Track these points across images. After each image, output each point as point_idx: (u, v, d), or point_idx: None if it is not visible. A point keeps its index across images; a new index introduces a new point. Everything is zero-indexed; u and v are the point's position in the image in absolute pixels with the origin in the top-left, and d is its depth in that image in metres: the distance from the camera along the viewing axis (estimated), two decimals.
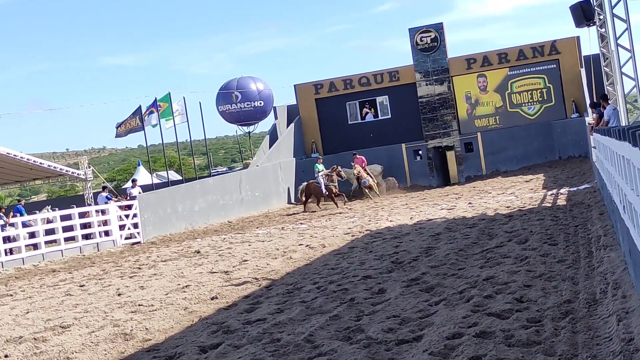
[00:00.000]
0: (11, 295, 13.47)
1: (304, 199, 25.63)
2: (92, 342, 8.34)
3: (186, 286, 11.60)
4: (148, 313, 9.69)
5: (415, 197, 25.30)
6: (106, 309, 10.37)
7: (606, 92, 19.79)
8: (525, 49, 29.73)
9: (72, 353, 8.00)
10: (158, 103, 27.19)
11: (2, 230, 18.79)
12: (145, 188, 25.66)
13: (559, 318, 6.63)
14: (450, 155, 30.93)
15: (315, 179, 25.70)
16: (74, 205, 21.23)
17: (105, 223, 21.20)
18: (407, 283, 9.39)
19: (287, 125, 31.76)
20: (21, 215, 20.46)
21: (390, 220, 17.94)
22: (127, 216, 21.40)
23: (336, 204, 24.84)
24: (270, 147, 30.30)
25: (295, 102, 32.68)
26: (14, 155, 23.83)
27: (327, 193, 25.09)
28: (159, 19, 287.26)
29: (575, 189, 19.00)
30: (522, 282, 8.31)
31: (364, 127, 31.53)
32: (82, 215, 21.00)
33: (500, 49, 30.24)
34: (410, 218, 17.98)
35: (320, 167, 26.37)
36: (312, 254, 13.73)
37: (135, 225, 21.54)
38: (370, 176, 27.12)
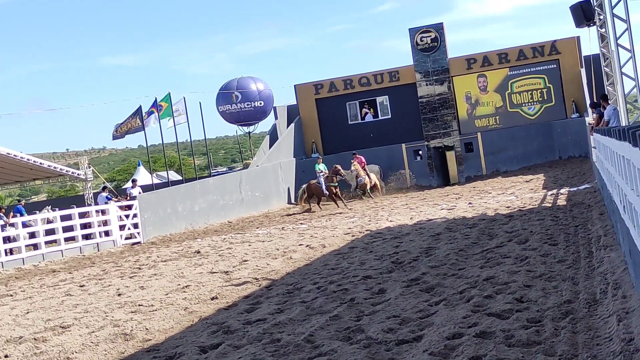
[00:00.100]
0: (11, 295, 13.47)
1: (304, 201, 25.54)
2: (92, 342, 8.34)
3: (186, 286, 11.60)
4: (148, 313, 9.69)
5: (415, 197, 25.30)
6: (106, 309, 10.36)
7: (606, 92, 19.79)
8: (526, 49, 29.73)
9: (72, 353, 8.00)
10: (159, 103, 27.20)
11: (2, 231, 18.79)
12: (146, 188, 25.66)
13: (559, 318, 6.63)
14: (450, 156, 30.93)
15: (316, 179, 25.70)
16: (74, 206, 21.23)
17: (105, 223, 21.20)
18: (407, 283, 9.39)
19: (287, 126, 31.76)
20: (21, 215, 20.46)
21: (391, 221, 17.94)
22: (127, 216, 21.40)
23: (337, 204, 24.83)
24: (270, 147, 30.31)
25: (295, 102, 32.68)
26: (14, 155, 23.82)
27: (327, 193, 25.08)
28: (159, 19, 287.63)
29: (575, 189, 19.00)
30: (522, 282, 8.30)
31: (364, 127, 31.53)
32: (82, 215, 21.00)
33: (500, 49, 30.25)
34: (411, 218, 17.98)
35: (321, 166, 26.37)
36: (312, 254, 13.73)
37: (136, 226, 21.54)
38: (369, 176, 27.09)
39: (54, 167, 26.46)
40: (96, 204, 23.36)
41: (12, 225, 19.28)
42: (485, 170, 29.74)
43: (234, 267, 13.25)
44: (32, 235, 19.83)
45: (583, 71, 28.23)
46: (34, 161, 24.96)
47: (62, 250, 19.70)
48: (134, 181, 27.47)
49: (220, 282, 11.71)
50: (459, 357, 5.84)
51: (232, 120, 36.95)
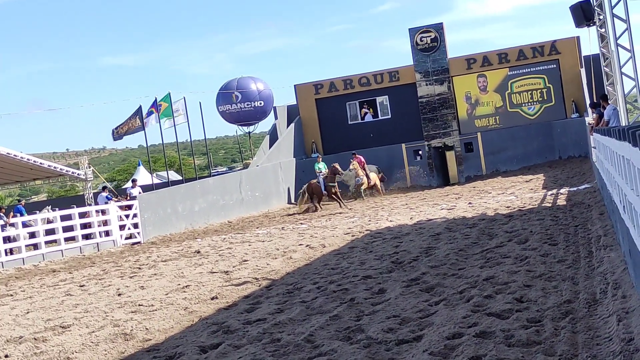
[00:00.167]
0: (11, 295, 13.47)
1: (304, 202, 25.48)
2: (92, 342, 8.34)
3: (186, 286, 11.60)
4: (148, 313, 9.70)
5: (415, 197, 25.30)
6: (106, 309, 10.37)
7: (606, 92, 19.79)
8: (525, 49, 29.73)
9: (72, 353, 8.00)
10: (158, 103, 27.20)
11: (2, 230, 18.80)
12: (146, 188, 25.67)
13: (559, 318, 6.63)
14: (450, 156, 30.93)
15: (316, 178, 25.70)
16: (74, 205, 21.24)
17: (105, 223, 21.20)
18: (407, 283, 9.39)
19: (287, 126, 31.77)
20: (21, 215, 20.47)
21: (390, 220, 17.94)
22: (127, 216, 21.41)
23: (338, 203, 24.81)
24: (270, 147, 30.31)
25: (295, 102, 32.68)
26: (14, 155, 23.82)
27: (326, 193, 25.06)
28: (159, 19, 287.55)
29: (575, 189, 19.00)
30: (522, 282, 8.31)
31: (364, 127, 31.54)
32: (82, 215, 21.00)
33: (500, 49, 30.26)
34: (410, 218, 17.98)
35: (321, 165, 26.35)
36: (312, 254, 13.73)
37: (136, 225, 21.54)
38: (368, 177, 27.08)
39: (54, 167, 26.46)
40: (96, 203, 23.37)
41: (12, 225, 19.29)
42: (485, 170, 29.75)
43: (234, 267, 13.25)
44: (32, 235, 19.84)
45: (583, 71, 28.24)
46: (34, 161, 24.96)
47: (62, 250, 19.71)
48: (134, 181, 27.48)
49: (220, 282, 11.71)
50: (459, 357, 5.84)
51: (232, 120, 36.96)
